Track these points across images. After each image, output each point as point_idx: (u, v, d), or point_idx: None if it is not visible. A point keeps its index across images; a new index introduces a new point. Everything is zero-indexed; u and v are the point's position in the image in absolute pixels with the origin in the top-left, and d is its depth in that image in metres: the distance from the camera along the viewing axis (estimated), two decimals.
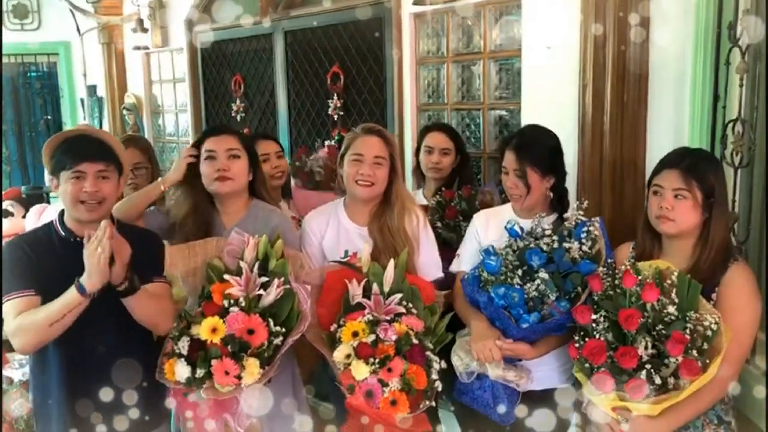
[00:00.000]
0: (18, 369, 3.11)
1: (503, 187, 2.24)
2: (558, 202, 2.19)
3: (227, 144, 2.26)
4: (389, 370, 1.84)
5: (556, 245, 1.98)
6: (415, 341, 1.90)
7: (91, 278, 1.78)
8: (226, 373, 1.83)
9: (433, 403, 1.93)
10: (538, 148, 2.14)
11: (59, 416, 2.00)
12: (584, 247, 1.97)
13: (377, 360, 1.85)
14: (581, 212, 2.04)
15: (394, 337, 1.89)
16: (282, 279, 1.97)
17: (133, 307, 1.91)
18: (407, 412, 1.84)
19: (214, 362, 1.84)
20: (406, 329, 1.92)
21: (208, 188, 2.27)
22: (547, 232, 2.01)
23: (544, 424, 2.06)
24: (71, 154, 1.95)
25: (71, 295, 1.80)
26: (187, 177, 2.31)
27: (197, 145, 2.32)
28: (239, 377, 1.84)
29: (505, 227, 2.09)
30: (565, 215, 2.07)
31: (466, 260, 2.26)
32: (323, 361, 2.09)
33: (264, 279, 1.98)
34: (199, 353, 1.86)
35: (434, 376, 1.89)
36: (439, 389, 1.91)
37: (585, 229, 1.99)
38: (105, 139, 2.05)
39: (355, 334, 1.91)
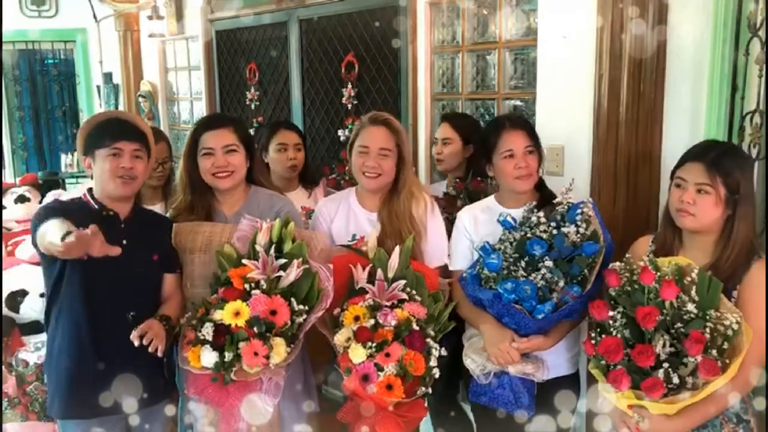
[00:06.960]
0: (33, 352, 3.13)
1: (499, 174, 2.18)
2: (542, 186, 2.21)
3: (224, 140, 2.22)
4: (387, 354, 1.83)
5: (555, 231, 1.96)
6: (415, 327, 1.90)
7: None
8: (255, 354, 1.84)
9: (429, 390, 1.92)
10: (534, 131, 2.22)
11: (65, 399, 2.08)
12: (581, 230, 1.95)
13: (374, 344, 1.85)
14: (570, 195, 2.03)
15: (393, 323, 1.89)
16: (301, 260, 1.98)
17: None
18: (402, 398, 1.84)
19: (242, 345, 1.84)
20: (407, 315, 1.91)
21: (208, 182, 2.25)
22: (543, 220, 1.99)
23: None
24: (110, 134, 2.05)
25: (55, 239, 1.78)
26: (187, 169, 2.28)
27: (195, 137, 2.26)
28: (267, 357, 1.86)
29: (498, 220, 2.06)
30: (557, 200, 2.05)
31: (459, 259, 2.23)
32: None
33: (282, 261, 1.98)
34: (226, 337, 1.86)
35: (433, 363, 1.89)
36: (437, 376, 1.90)
37: (579, 211, 1.97)
38: (138, 123, 2.18)
39: (356, 318, 1.92)
